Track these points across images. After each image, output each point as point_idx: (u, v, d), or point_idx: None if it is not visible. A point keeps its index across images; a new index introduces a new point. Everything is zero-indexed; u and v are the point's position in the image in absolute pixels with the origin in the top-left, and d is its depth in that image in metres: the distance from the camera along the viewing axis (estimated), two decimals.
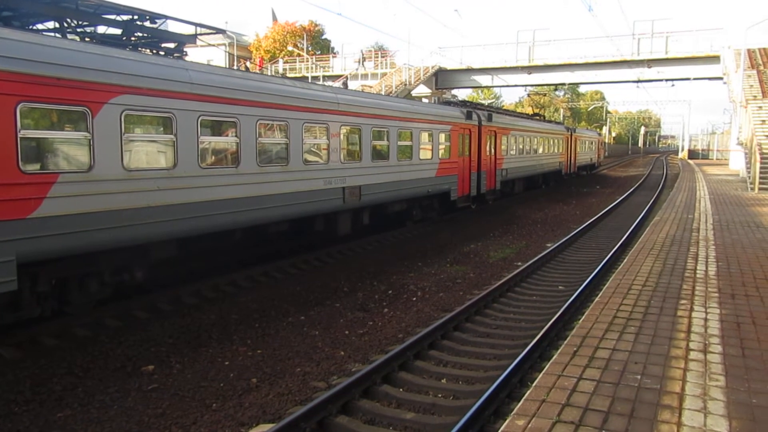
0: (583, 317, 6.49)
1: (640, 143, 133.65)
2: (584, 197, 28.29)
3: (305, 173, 11.40)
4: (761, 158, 22.72)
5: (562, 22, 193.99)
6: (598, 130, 75.60)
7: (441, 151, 17.28)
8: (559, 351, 5.45)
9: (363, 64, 24.84)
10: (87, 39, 9.64)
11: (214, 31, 12.06)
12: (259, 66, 48.67)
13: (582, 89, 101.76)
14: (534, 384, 4.69)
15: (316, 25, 64.05)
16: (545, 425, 3.94)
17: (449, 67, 47.01)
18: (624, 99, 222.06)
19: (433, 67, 46.56)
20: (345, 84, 26.56)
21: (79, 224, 7.27)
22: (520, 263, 12.66)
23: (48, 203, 6.94)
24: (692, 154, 73.79)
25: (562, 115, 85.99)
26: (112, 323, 8.39)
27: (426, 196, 16.86)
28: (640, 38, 42.47)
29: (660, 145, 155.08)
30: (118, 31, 10.07)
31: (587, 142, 44.12)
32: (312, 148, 11.85)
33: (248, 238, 10.93)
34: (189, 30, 11.47)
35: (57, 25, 9.61)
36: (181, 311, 9.07)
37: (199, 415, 5.89)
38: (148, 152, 8.44)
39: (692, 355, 5.22)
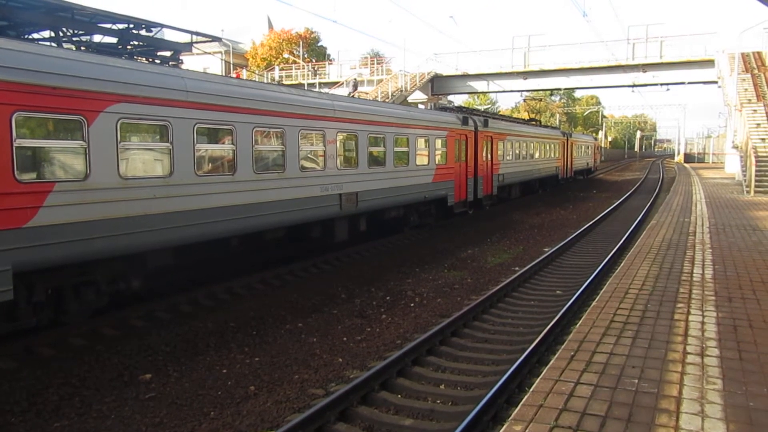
0: (581, 321, 6.49)
1: (636, 147, 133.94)
2: (581, 201, 28.34)
3: (302, 180, 11.41)
4: (756, 161, 22.80)
5: (557, 27, 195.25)
6: (594, 134, 75.84)
7: (437, 157, 17.31)
8: (556, 356, 5.45)
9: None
10: (83, 48, 9.65)
11: (210, 39, 12.06)
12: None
13: (578, 94, 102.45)
14: (532, 389, 4.68)
15: (312, 33, 64.39)
16: (543, 430, 3.94)
17: (445, 73, 47.22)
18: (619, 103, 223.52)
19: (429, 74, 46.77)
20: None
21: (75, 233, 7.26)
22: (517, 268, 12.67)
23: (44, 212, 6.93)
24: (688, 157, 74.12)
25: (558, 120, 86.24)
26: (109, 332, 8.36)
27: (423, 202, 16.88)
28: (635, 43, 42.74)
29: (656, 149, 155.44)
30: (114, 40, 10.07)
31: (583, 147, 44.24)
32: (308, 155, 11.86)
33: (245, 246, 10.91)
34: (185, 38, 11.47)
35: (52, 34, 9.61)
36: (178, 319, 9.04)
37: (197, 423, 5.87)
38: (144, 160, 8.45)
39: (689, 358, 5.22)
